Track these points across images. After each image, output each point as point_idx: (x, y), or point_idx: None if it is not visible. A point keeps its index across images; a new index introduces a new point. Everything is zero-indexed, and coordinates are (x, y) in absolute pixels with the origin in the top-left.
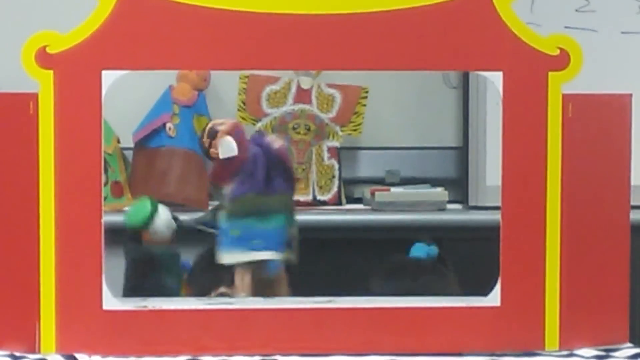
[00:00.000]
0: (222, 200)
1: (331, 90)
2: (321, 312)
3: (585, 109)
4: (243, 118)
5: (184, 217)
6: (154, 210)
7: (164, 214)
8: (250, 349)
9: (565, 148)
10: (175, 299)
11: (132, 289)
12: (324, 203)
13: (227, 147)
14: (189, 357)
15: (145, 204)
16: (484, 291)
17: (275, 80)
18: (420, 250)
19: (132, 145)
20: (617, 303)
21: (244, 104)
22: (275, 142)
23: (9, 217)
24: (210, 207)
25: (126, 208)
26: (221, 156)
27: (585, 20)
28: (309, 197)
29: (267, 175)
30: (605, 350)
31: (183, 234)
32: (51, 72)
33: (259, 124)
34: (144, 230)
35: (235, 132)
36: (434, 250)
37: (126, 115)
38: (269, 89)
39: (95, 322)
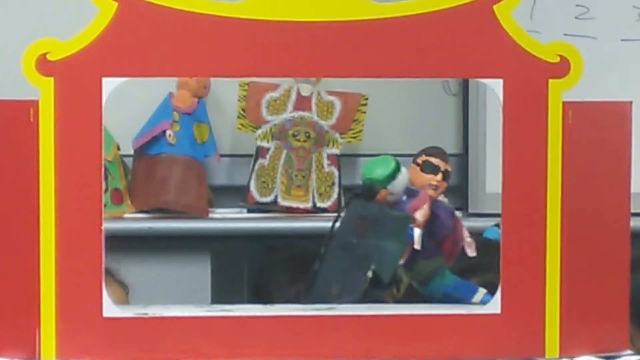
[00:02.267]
0: None
1: (331, 98)
2: (321, 319)
3: (586, 116)
4: (243, 125)
5: (189, 224)
6: (397, 169)
7: (404, 175)
8: (251, 356)
9: (566, 155)
10: (175, 306)
11: (343, 247)
12: (324, 210)
13: (417, 241)
14: None
15: (389, 161)
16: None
17: (275, 87)
18: (493, 232)
19: (132, 152)
20: (617, 310)
21: (243, 111)
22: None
23: (9, 225)
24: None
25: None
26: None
27: (585, 28)
28: (309, 205)
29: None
30: (606, 358)
31: None
32: (51, 79)
33: (259, 131)
34: (381, 187)
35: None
36: (497, 232)
37: (126, 122)
38: (268, 96)
39: (95, 330)
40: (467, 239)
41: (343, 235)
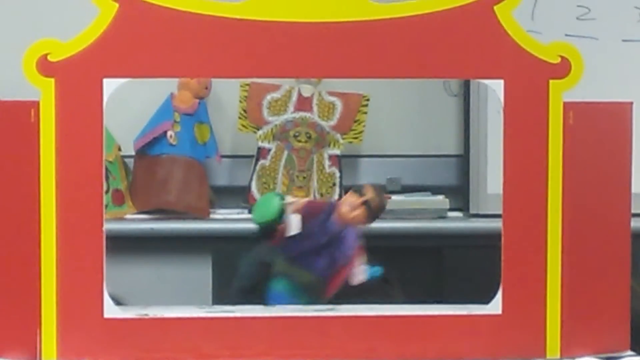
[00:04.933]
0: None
1: (332, 98)
2: (322, 320)
3: (586, 116)
4: (244, 126)
5: (190, 225)
6: (282, 200)
7: (293, 207)
8: (252, 357)
9: (566, 156)
10: (176, 307)
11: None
12: None
13: (294, 225)
14: None
15: (272, 198)
16: (486, 299)
17: (276, 88)
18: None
19: (133, 153)
20: (618, 311)
21: (244, 111)
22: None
23: (11, 225)
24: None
25: (252, 207)
26: (287, 234)
27: (586, 28)
28: None
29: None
30: (606, 358)
31: None
32: (52, 79)
33: (260, 132)
34: (278, 224)
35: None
36: (377, 270)
37: (127, 123)
38: (269, 96)
39: (96, 330)
40: (357, 268)
41: (242, 280)
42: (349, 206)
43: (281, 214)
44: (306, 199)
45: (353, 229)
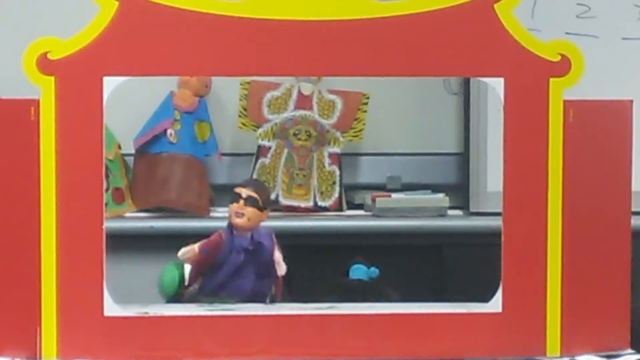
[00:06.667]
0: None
1: (332, 96)
2: (322, 318)
3: (586, 115)
4: (244, 124)
5: (190, 223)
6: (182, 272)
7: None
8: (251, 355)
9: (566, 154)
10: (176, 305)
11: None
12: (325, 209)
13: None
14: None
15: (172, 270)
16: (486, 297)
17: (276, 86)
18: (359, 272)
19: (133, 151)
20: (618, 309)
21: (244, 110)
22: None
23: (10, 223)
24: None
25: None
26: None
27: (586, 26)
28: (310, 203)
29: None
30: (606, 357)
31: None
32: (52, 78)
33: (260, 130)
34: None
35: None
36: (374, 271)
37: (127, 121)
38: (270, 95)
39: (96, 329)
40: (277, 258)
41: None
42: (235, 215)
43: (181, 282)
44: (190, 248)
45: (262, 231)
